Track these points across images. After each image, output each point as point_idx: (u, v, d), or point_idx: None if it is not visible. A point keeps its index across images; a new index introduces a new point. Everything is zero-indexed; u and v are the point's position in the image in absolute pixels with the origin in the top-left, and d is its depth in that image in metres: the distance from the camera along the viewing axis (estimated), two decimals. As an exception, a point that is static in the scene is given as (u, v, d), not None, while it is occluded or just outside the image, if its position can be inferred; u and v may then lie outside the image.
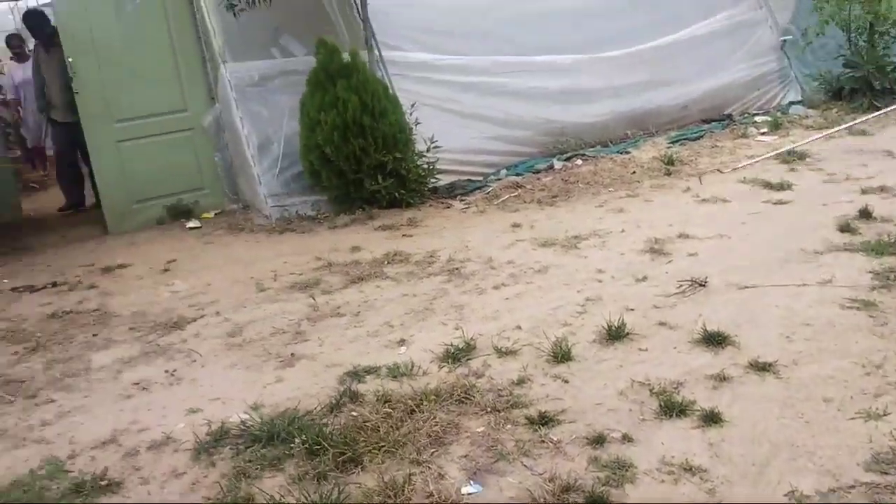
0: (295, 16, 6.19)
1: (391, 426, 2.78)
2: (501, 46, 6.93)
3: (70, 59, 6.01)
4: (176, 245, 5.72)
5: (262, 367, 3.51)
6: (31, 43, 7.96)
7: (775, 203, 4.88)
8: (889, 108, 6.75)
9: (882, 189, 4.93)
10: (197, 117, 6.41)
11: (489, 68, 6.80)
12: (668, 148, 6.61)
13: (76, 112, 6.29)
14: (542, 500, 2.34)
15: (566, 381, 3.03)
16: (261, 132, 6.06)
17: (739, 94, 7.60)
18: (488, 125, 6.73)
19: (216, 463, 2.75)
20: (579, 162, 6.62)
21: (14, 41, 8.65)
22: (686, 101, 7.44)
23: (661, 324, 3.39)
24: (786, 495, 2.25)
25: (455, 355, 3.32)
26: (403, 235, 5.27)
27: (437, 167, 6.17)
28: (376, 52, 6.26)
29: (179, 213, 6.39)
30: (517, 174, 6.51)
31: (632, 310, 3.57)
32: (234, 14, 5.75)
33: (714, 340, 3.12)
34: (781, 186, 5.14)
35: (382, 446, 2.66)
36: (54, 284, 5.05)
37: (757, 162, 5.83)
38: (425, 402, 2.93)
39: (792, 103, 7.50)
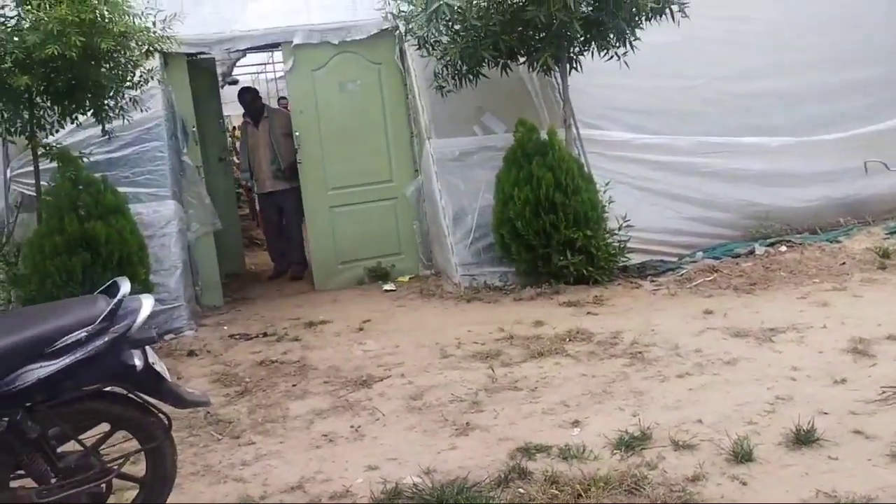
0: (497, 96, 6.50)
1: (556, 508, 2.78)
2: (704, 127, 6.82)
3: (297, 133, 6.72)
4: (372, 306, 6.10)
5: (438, 432, 3.65)
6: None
7: None
8: None
9: None
10: (401, 187, 6.87)
11: (689, 148, 6.71)
12: (885, 239, 6.10)
13: (282, 181, 7.07)
14: None
15: (744, 484, 2.87)
16: (457, 204, 6.37)
17: (973, 182, 6.87)
18: (686, 205, 6.62)
19: (387, 521, 2.89)
20: (783, 248, 6.29)
21: None
22: (909, 189, 6.86)
23: (857, 432, 3.13)
24: None
25: (629, 443, 3.26)
26: (588, 313, 5.27)
27: (630, 246, 6.15)
28: (574, 130, 6.41)
29: (378, 276, 6.83)
30: (714, 257, 6.31)
31: (826, 414, 3.33)
32: (442, 94, 6.17)
33: (918, 458, 2.84)
34: None
35: (545, 527, 2.67)
36: (265, 334, 5.57)
37: None
38: (593, 489, 2.90)
39: None
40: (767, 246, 6.31)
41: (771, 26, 7.07)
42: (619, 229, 6.03)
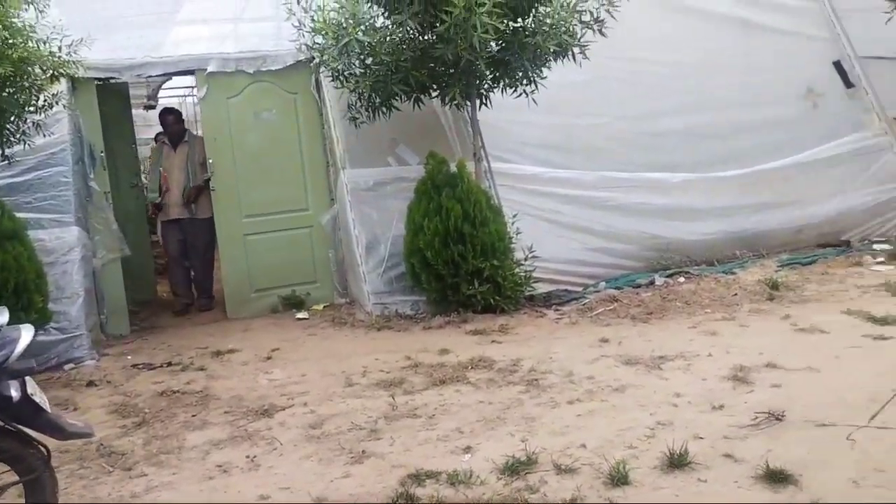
0: (412, 128, 6.64)
1: (437, 533, 2.86)
2: (610, 163, 7.11)
3: (210, 160, 6.70)
4: (283, 334, 6.10)
5: (333, 460, 3.69)
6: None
7: (876, 338, 4.66)
8: None
9: None
10: (316, 216, 6.91)
11: (595, 183, 6.97)
12: (777, 272, 6.45)
13: (192, 209, 7.01)
14: None
15: (618, 506, 3.01)
16: (370, 233, 6.46)
17: (860, 220, 7.35)
18: (591, 237, 6.86)
19: (272, 550, 2.92)
20: (682, 279, 6.57)
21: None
22: (801, 225, 7.28)
23: (727, 455, 3.31)
24: None
25: (515, 468, 3.37)
26: (493, 341, 5.41)
27: (537, 276, 6.33)
28: (485, 163, 6.60)
29: (292, 304, 6.82)
30: (616, 287, 6.54)
31: (701, 438, 3.51)
32: (356, 125, 6.28)
33: (776, 478, 3.03)
34: (886, 321, 4.91)
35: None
36: (170, 364, 5.50)
37: (866, 293, 5.60)
38: (475, 513, 2.99)
39: (917, 232, 7.17)
40: (667, 277, 6.59)
41: (675, 68, 7.47)
42: (526, 260, 6.21)
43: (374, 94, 6.03)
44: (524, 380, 4.54)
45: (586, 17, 5.93)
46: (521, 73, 6.01)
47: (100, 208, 6.21)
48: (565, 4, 5.85)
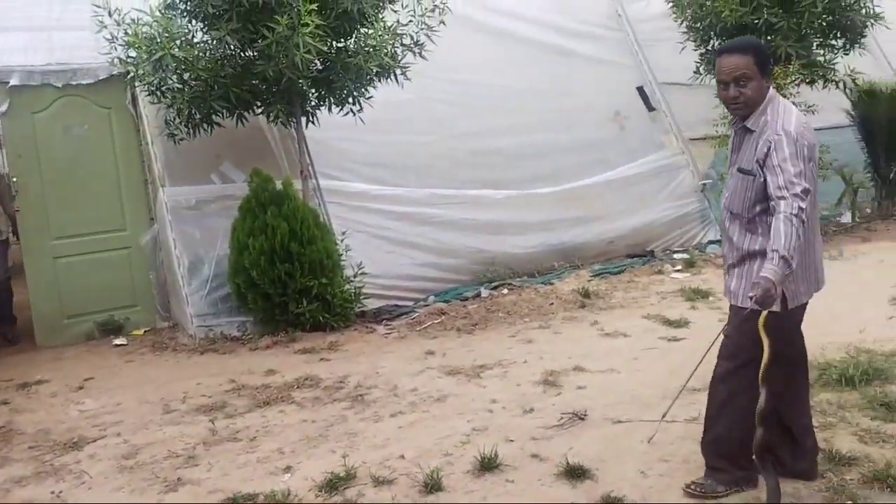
0: (237, 145, 6.53)
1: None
2: (437, 180, 7.34)
3: (15, 179, 6.25)
4: (98, 362, 5.79)
5: (147, 490, 3.56)
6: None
7: (670, 340, 5.12)
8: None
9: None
10: (135, 236, 6.62)
11: (423, 199, 7.17)
12: (589, 281, 6.91)
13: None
14: None
15: (431, 513, 3.13)
16: (192, 253, 6.28)
17: (662, 231, 8.01)
18: (420, 252, 7.03)
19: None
20: (505, 291, 6.88)
21: None
22: (612, 237, 7.83)
23: (534, 456, 3.53)
24: None
25: (334, 484, 3.41)
26: (321, 359, 5.41)
27: (369, 292, 6.40)
28: (313, 181, 6.61)
29: (110, 330, 6.47)
30: (445, 301, 6.74)
31: (512, 441, 3.71)
32: (175, 142, 6.10)
33: (574, 474, 3.26)
34: (679, 324, 5.41)
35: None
36: (-33, 399, 5.07)
37: (664, 299, 6.12)
38: (291, 531, 3.00)
39: (710, 242, 7.91)
40: (492, 289, 6.88)
41: (497, 91, 7.85)
42: (356, 276, 6.27)
43: (193, 110, 5.88)
44: (349, 396, 4.59)
45: (407, 41, 6.12)
46: (345, 93, 6.08)
47: None
48: (386, 27, 6.00)
